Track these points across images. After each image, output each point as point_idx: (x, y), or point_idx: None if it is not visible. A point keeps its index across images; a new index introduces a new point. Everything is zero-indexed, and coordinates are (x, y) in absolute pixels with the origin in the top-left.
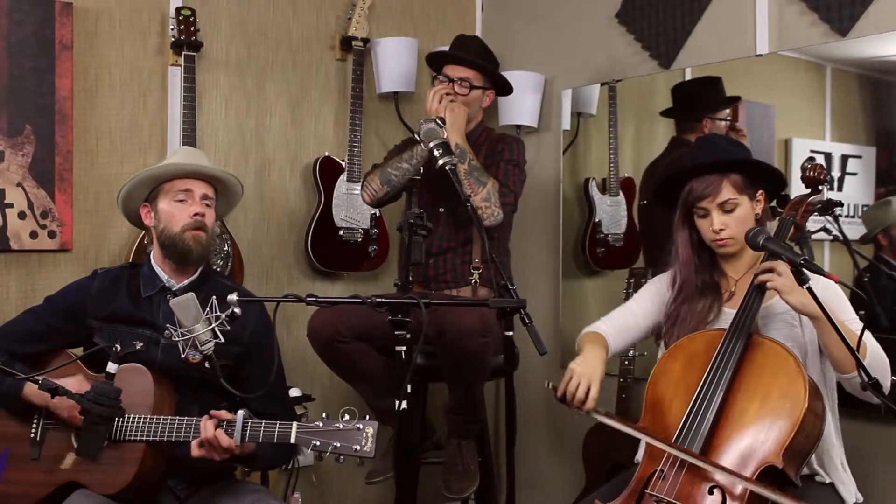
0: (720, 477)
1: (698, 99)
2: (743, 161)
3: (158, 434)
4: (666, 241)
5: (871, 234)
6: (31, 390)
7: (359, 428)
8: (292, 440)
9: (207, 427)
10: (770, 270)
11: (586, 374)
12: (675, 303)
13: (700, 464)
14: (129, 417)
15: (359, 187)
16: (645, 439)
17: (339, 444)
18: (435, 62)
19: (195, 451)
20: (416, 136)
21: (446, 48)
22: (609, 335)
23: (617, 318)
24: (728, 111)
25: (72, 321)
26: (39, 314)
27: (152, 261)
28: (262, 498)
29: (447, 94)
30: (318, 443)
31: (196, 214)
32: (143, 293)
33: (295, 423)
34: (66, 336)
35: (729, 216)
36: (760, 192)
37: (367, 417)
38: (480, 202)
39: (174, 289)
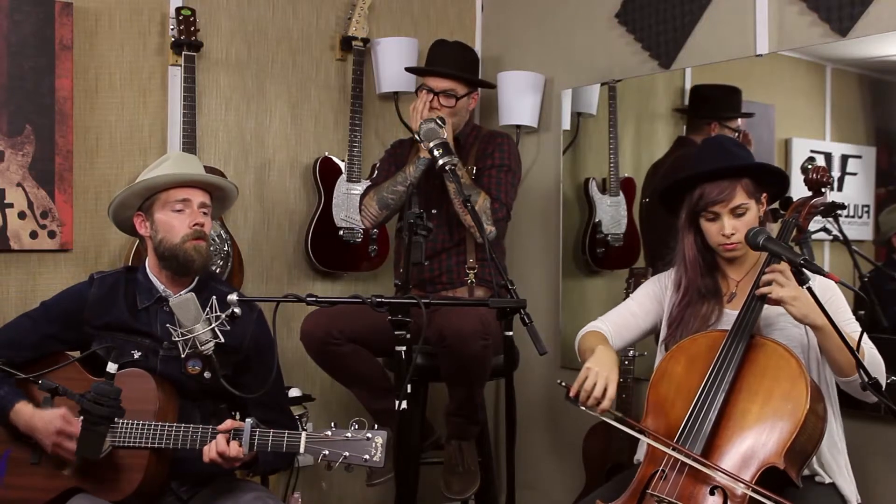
0: (721, 478)
1: (715, 103)
2: (759, 166)
3: (164, 442)
4: (668, 239)
5: (885, 237)
6: (17, 416)
7: (368, 437)
8: (301, 450)
9: (219, 441)
10: (772, 281)
11: (604, 373)
12: (680, 306)
13: (706, 470)
14: (134, 424)
15: (359, 188)
16: (662, 448)
17: (348, 454)
18: (417, 73)
19: (206, 458)
20: (416, 137)
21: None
22: (610, 335)
23: (616, 317)
24: (739, 122)
25: (69, 328)
26: (36, 321)
27: (148, 270)
28: (261, 498)
29: (433, 108)
30: (327, 452)
31: (195, 224)
32: (139, 304)
33: (304, 433)
34: (62, 342)
35: (739, 220)
36: (764, 195)
37: (376, 427)
38: (473, 222)
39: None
